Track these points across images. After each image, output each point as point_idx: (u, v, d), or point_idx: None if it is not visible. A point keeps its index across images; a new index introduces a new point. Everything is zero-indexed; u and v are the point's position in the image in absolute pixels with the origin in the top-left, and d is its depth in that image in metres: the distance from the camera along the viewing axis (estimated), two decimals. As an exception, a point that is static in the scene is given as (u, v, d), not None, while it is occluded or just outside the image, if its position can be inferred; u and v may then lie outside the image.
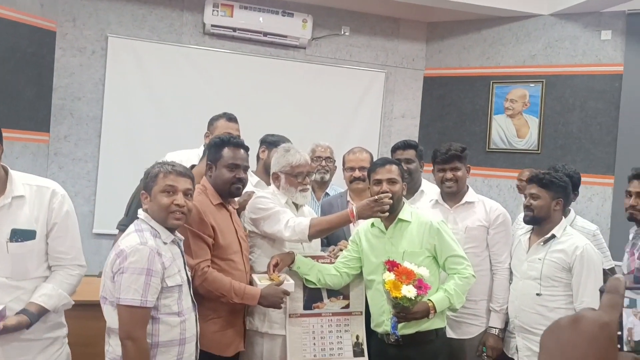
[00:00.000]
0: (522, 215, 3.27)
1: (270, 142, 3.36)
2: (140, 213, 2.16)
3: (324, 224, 2.56)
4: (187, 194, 2.13)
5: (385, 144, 5.76)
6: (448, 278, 2.52)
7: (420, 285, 2.32)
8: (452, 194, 2.88)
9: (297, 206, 2.76)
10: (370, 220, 2.64)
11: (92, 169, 5.12)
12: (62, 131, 5.04)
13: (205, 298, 2.33)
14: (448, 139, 5.67)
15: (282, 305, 2.47)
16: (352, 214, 2.51)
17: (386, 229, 2.58)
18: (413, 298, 2.28)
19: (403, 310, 2.34)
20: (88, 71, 5.06)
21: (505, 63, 5.44)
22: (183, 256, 2.21)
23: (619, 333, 0.65)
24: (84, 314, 2.37)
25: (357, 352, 2.63)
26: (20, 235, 2.02)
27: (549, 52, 5.24)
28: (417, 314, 2.38)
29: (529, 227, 2.77)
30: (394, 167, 2.59)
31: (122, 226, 2.62)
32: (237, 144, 2.50)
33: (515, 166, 5.20)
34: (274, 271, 2.47)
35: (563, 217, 2.72)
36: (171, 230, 2.14)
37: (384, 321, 2.50)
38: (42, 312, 2.02)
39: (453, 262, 2.50)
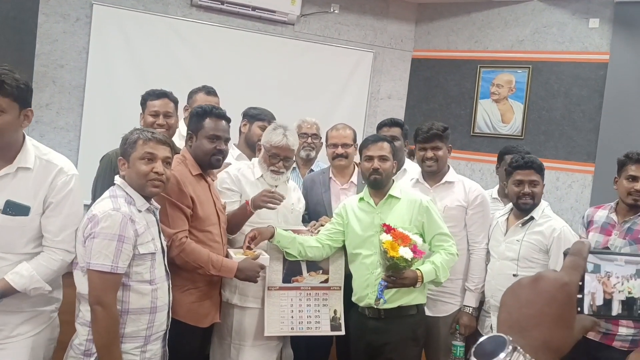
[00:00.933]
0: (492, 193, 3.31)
1: (251, 116, 3.35)
2: (117, 179, 2.12)
3: (228, 218, 2.57)
4: (166, 162, 2.11)
5: (370, 124, 5.75)
6: (434, 253, 2.58)
7: (415, 250, 2.37)
8: (433, 173, 2.89)
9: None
10: (359, 194, 2.68)
11: (74, 138, 5.06)
12: (44, 99, 4.95)
13: (183, 269, 2.33)
14: (433, 121, 5.69)
15: (258, 279, 2.48)
16: (248, 203, 2.54)
17: (376, 204, 2.61)
18: (409, 259, 2.33)
19: (395, 274, 2.37)
20: (72, 38, 4.96)
21: (493, 47, 5.44)
22: (158, 225, 2.19)
23: (579, 296, 0.66)
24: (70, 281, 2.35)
25: (335, 326, 2.65)
26: (13, 209, 1.96)
27: (536, 38, 5.25)
28: (407, 280, 2.42)
29: (507, 209, 2.80)
30: (386, 145, 2.62)
31: None
32: (219, 114, 2.48)
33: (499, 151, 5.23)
34: (250, 244, 2.47)
35: (542, 200, 2.75)
36: (147, 198, 2.12)
37: (367, 294, 2.53)
38: (9, 290, 1.94)
39: (439, 240, 2.58)
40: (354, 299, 2.63)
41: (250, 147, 3.28)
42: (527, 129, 5.25)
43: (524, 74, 5.28)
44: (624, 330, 2.56)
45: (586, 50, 5.04)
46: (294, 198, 2.83)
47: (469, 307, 2.81)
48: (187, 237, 2.32)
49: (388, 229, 2.40)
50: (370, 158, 2.59)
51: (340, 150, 3.03)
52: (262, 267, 2.46)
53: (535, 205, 2.67)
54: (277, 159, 2.65)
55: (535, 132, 5.21)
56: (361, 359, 2.63)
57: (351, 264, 2.66)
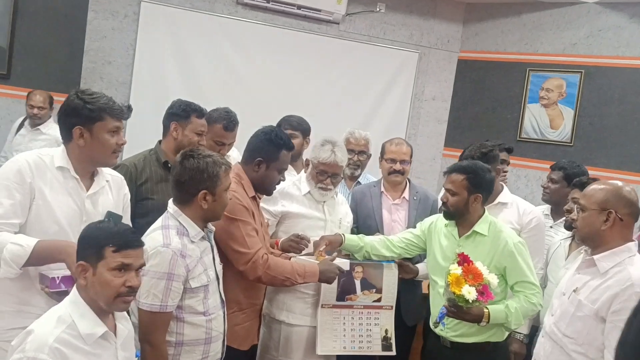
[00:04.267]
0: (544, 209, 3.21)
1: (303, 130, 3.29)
2: (170, 206, 2.08)
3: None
4: None
5: (413, 126, 5.68)
6: (514, 297, 2.41)
7: (484, 291, 2.21)
8: None
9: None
10: (444, 220, 2.55)
11: (120, 135, 5.11)
12: (92, 95, 5.01)
13: (231, 291, 2.28)
14: (478, 125, 5.59)
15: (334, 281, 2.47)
16: (277, 243, 2.57)
17: (459, 236, 2.48)
18: (470, 301, 2.18)
19: (455, 306, 2.27)
20: (120, 35, 5.00)
21: (544, 50, 5.28)
22: (213, 250, 2.14)
23: None
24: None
25: (386, 346, 2.63)
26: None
27: (590, 42, 5.07)
28: (469, 316, 2.29)
29: (571, 233, 2.71)
30: (457, 177, 2.43)
31: None
32: (292, 147, 2.47)
33: (546, 157, 5.09)
34: (321, 252, 2.48)
35: None
36: (203, 225, 2.09)
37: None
38: None
39: (522, 287, 2.39)
40: (431, 323, 2.56)
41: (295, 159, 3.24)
42: (576, 136, 5.09)
43: (576, 78, 5.11)
44: None
45: (644, 55, 4.85)
46: (342, 212, 2.80)
47: (521, 334, 2.73)
48: (267, 253, 2.30)
49: (463, 259, 2.25)
50: (446, 189, 2.49)
51: (398, 166, 2.95)
52: (342, 271, 2.45)
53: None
54: (325, 176, 2.63)
55: (586, 139, 5.05)
56: None
57: (431, 288, 2.59)
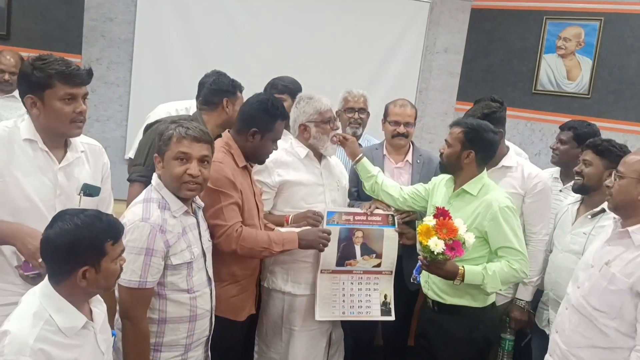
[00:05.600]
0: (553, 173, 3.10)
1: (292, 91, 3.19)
2: (154, 178, 2.01)
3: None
4: (204, 160, 1.96)
5: (425, 80, 5.50)
6: (497, 260, 2.36)
7: (454, 247, 2.17)
8: None
9: (320, 159, 2.65)
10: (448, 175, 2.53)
11: (124, 94, 5.04)
12: (94, 53, 4.91)
13: (224, 263, 2.26)
14: (492, 77, 5.40)
15: (325, 247, 2.39)
16: (287, 220, 2.53)
17: (453, 191, 2.46)
18: (435, 253, 2.16)
19: (425, 258, 2.25)
20: (120, -10, 4.85)
21: (562, -3, 5.02)
22: (199, 226, 2.07)
23: None
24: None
25: (385, 311, 2.62)
26: (90, 190, 1.97)
27: (611, -13, 4.79)
28: (441, 271, 2.27)
29: (579, 197, 2.61)
30: (455, 130, 2.41)
31: (140, 177, 2.46)
32: (286, 116, 2.40)
33: (562, 110, 4.93)
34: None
35: None
36: (186, 199, 2.00)
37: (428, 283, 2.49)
38: None
39: (505, 252, 2.33)
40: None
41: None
42: (594, 88, 4.89)
43: (595, 26, 4.87)
44: None
45: (668, 1, 4.58)
46: (338, 173, 2.75)
47: (522, 300, 2.68)
48: (242, 226, 2.25)
49: (441, 213, 2.21)
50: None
51: (402, 129, 2.86)
52: (327, 232, 2.39)
53: (584, 186, 2.54)
54: (332, 123, 2.61)
55: (604, 91, 4.85)
56: (419, 342, 2.59)
57: None
